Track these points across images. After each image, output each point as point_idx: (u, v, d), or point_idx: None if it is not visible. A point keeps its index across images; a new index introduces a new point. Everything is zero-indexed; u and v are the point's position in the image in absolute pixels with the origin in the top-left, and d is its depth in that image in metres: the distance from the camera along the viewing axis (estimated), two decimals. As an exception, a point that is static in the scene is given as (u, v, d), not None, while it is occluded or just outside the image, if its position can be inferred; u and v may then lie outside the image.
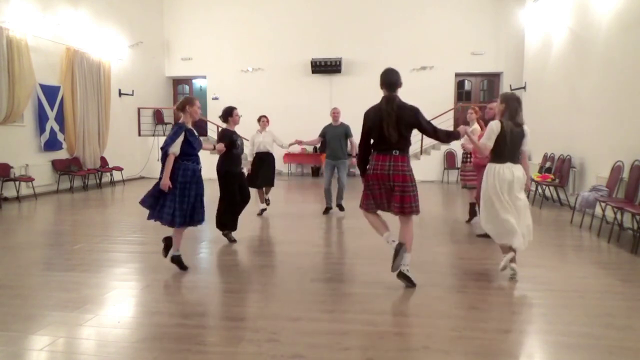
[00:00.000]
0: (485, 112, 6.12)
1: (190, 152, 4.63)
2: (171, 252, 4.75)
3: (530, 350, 3.18)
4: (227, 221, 5.96)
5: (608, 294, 4.12)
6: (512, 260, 4.40)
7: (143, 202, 4.68)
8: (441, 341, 3.17)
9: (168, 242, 4.77)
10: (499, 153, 4.35)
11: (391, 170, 4.00)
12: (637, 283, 4.43)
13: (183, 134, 4.56)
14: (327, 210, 7.97)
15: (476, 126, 6.57)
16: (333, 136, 7.80)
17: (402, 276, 4.11)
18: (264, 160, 7.73)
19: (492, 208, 4.38)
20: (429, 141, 13.92)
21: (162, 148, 4.59)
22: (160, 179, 4.53)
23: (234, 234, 6.03)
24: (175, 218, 4.54)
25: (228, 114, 5.94)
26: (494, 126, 4.32)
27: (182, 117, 4.71)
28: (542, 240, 6.30)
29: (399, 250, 4.05)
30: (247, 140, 7.72)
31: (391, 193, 4.04)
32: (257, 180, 7.67)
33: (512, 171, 4.30)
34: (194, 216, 4.70)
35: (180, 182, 4.55)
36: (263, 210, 7.87)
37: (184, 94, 16.79)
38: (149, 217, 4.70)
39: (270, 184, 7.88)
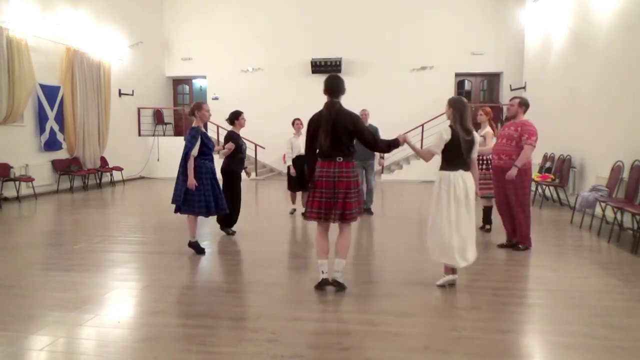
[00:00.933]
0: (506, 109, 5.73)
1: (206, 152, 5.26)
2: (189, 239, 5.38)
3: (530, 350, 3.18)
4: (232, 219, 6.29)
5: (608, 294, 4.12)
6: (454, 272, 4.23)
7: (175, 201, 5.32)
8: (441, 341, 3.17)
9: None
10: (451, 160, 4.12)
11: (336, 177, 3.93)
12: (637, 283, 4.42)
13: (200, 137, 5.14)
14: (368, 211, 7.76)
15: (488, 129, 6.28)
16: None
17: (335, 283, 4.04)
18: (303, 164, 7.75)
19: (439, 221, 4.10)
20: (429, 141, 13.93)
21: (185, 153, 5.13)
22: (182, 180, 5.17)
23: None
24: (194, 208, 5.22)
25: (235, 117, 6.24)
26: (444, 133, 4.10)
27: (195, 121, 5.27)
28: (542, 240, 6.30)
29: (324, 285, 4.05)
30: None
31: (334, 201, 3.94)
32: (303, 183, 7.59)
33: (464, 179, 4.11)
34: (218, 206, 5.38)
35: (199, 177, 5.17)
36: (294, 210, 7.90)
37: (184, 94, 16.80)
38: (176, 211, 5.36)
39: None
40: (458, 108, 4.11)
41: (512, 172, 5.18)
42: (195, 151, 5.12)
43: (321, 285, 4.08)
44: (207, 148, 5.27)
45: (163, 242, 6.09)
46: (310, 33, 14.85)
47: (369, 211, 7.84)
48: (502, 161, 5.35)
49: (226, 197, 5.99)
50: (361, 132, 4.00)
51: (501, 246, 5.60)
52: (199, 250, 5.34)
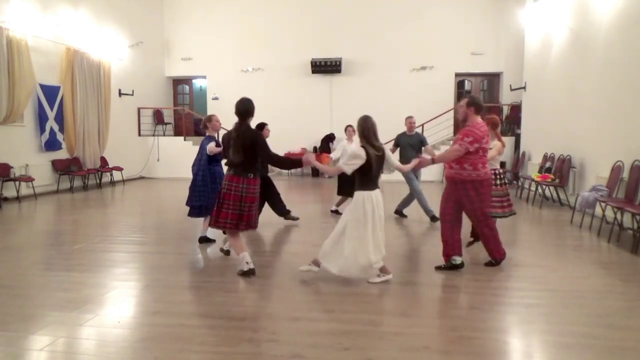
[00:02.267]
0: (458, 112, 5.21)
1: (217, 158, 5.72)
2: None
3: (530, 350, 3.18)
4: (283, 208, 7.16)
5: (608, 294, 4.12)
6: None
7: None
8: (441, 341, 3.17)
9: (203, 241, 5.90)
10: (369, 179, 4.22)
11: (244, 192, 4.38)
12: (637, 283, 4.43)
13: (214, 142, 5.70)
14: (434, 219, 7.16)
15: (496, 142, 5.50)
16: (407, 145, 7.50)
17: (224, 252, 5.19)
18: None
19: (366, 239, 4.17)
20: (429, 141, 13.90)
21: (208, 154, 5.64)
22: (195, 182, 5.78)
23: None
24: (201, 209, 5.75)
25: (260, 128, 6.58)
26: (359, 153, 4.15)
27: (208, 131, 5.82)
28: (542, 240, 6.31)
29: (252, 274, 4.49)
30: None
31: (240, 213, 4.40)
32: (343, 189, 7.67)
33: (379, 198, 4.26)
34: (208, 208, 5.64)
35: (206, 181, 5.69)
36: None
37: (184, 94, 16.81)
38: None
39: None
40: (361, 126, 4.24)
41: (424, 161, 4.75)
42: (213, 143, 5.64)
43: (249, 274, 4.48)
44: (218, 155, 5.66)
45: (163, 242, 6.10)
46: (310, 33, 14.85)
47: (401, 214, 7.81)
48: (453, 170, 4.64)
49: (268, 197, 6.97)
50: (261, 149, 4.39)
51: (439, 268, 4.73)
52: (200, 239, 5.88)
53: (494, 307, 3.81)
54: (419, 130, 13.31)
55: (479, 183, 4.55)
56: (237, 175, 4.38)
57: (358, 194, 4.23)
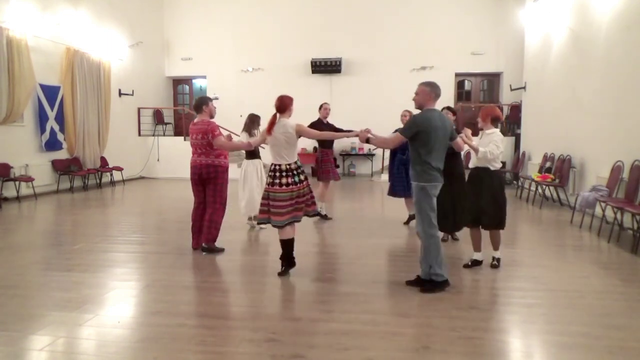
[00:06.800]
0: None
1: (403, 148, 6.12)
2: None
3: (530, 350, 3.18)
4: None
5: (608, 294, 4.12)
6: None
7: None
8: (441, 341, 3.17)
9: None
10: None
11: None
12: (637, 283, 4.43)
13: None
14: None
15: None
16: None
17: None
18: (476, 179, 4.82)
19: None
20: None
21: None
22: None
23: None
24: None
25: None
26: None
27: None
28: (542, 240, 6.31)
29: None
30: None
31: None
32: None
33: (248, 168, 6.47)
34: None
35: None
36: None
37: (184, 94, 16.79)
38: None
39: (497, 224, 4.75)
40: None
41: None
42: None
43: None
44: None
45: (163, 242, 6.09)
46: (310, 33, 14.84)
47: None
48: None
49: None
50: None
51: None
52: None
53: (494, 307, 3.81)
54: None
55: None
56: None
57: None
